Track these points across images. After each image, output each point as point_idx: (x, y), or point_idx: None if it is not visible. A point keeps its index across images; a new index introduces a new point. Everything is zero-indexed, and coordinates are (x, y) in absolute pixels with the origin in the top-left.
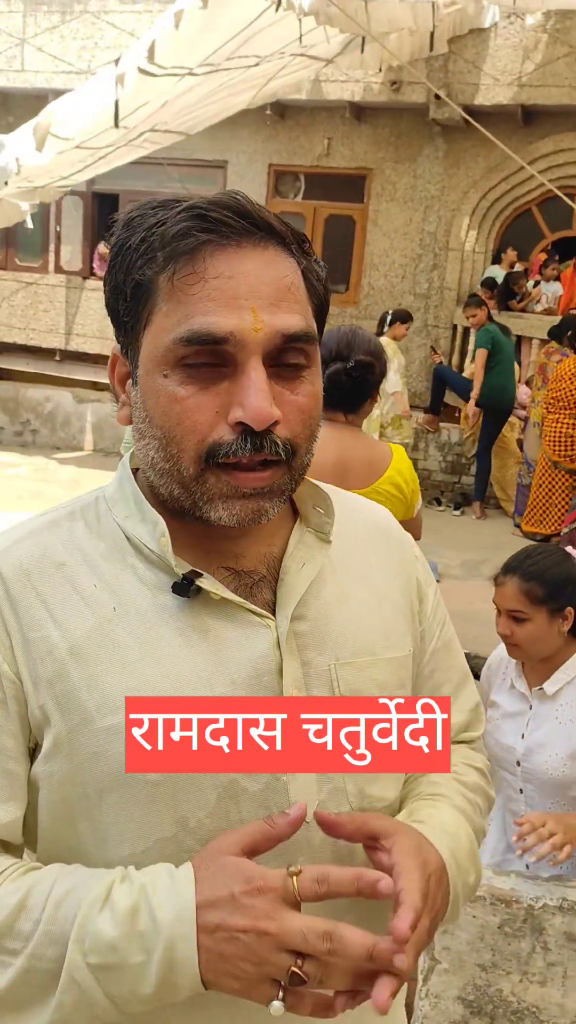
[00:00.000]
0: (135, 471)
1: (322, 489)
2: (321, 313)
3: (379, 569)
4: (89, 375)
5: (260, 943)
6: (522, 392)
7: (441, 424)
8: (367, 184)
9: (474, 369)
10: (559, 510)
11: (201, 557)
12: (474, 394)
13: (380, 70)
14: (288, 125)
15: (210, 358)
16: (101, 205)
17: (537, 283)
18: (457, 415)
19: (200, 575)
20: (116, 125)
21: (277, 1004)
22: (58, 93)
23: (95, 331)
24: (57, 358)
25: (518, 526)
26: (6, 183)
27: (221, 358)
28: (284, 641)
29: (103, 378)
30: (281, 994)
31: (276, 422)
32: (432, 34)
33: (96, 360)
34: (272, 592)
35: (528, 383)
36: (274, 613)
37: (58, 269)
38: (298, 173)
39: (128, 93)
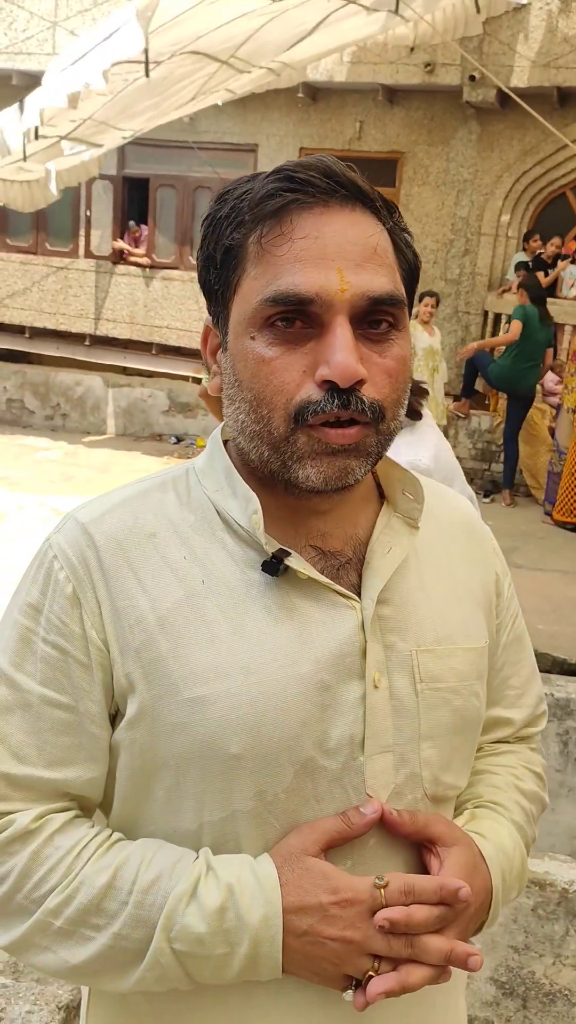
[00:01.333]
0: (225, 443)
1: (412, 475)
2: (411, 279)
3: (461, 561)
4: (118, 360)
5: (346, 949)
6: (549, 379)
7: (471, 411)
8: (399, 168)
9: (507, 336)
10: None
11: (289, 534)
12: (494, 340)
13: (411, 50)
14: (319, 108)
15: (297, 319)
16: (131, 189)
17: (544, 267)
18: (487, 402)
19: (289, 554)
20: (147, 75)
21: (350, 994)
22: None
23: (125, 316)
24: (87, 343)
25: (548, 514)
26: (36, 136)
27: (308, 319)
28: (368, 624)
29: (132, 363)
30: (355, 984)
31: (363, 381)
32: (477, 5)
33: (126, 345)
34: (357, 575)
35: (555, 370)
36: (359, 596)
37: (88, 254)
38: None
39: (158, 13)
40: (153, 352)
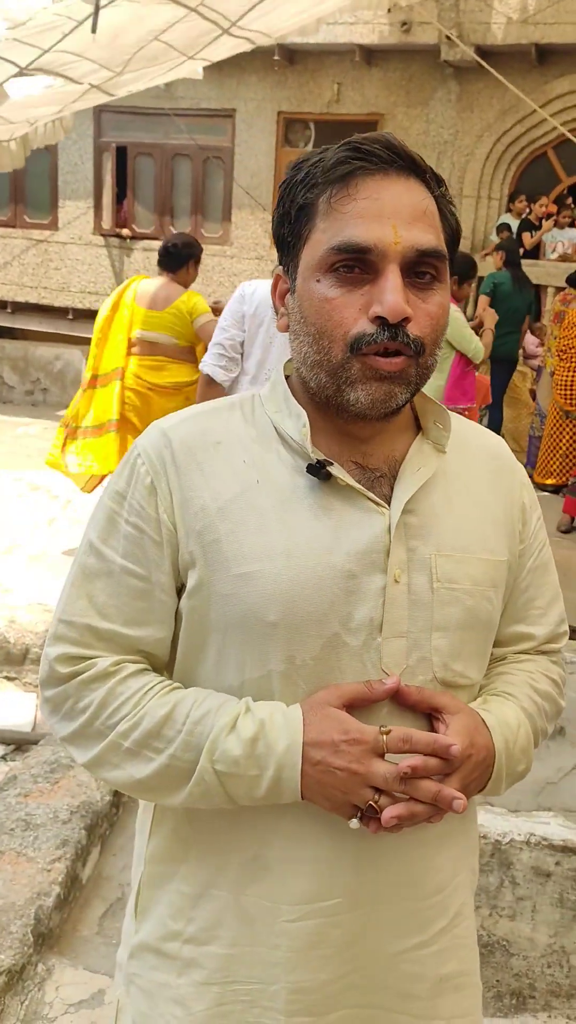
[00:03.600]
0: (287, 378)
1: (444, 408)
2: (453, 242)
3: (487, 486)
4: None
5: (351, 779)
6: (530, 342)
7: None
8: (379, 130)
9: (479, 315)
10: (568, 459)
11: (335, 451)
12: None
13: (389, 10)
14: (296, 70)
15: (356, 265)
16: (105, 157)
17: (531, 228)
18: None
19: (331, 464)
20: (93, 30)
21: (355, 822)
22: None
23: (107, 289)
24: (69, 316)
25: (530, 477)
26: None
27: (365, 266)
28: (394, 528)
29: None
30: (360, 814)
31: (408, 319)
32: None
33: None
34: (390, 488)
35: (535, 333)
36: (389, 504)
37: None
38: (308, 121)
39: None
40: None
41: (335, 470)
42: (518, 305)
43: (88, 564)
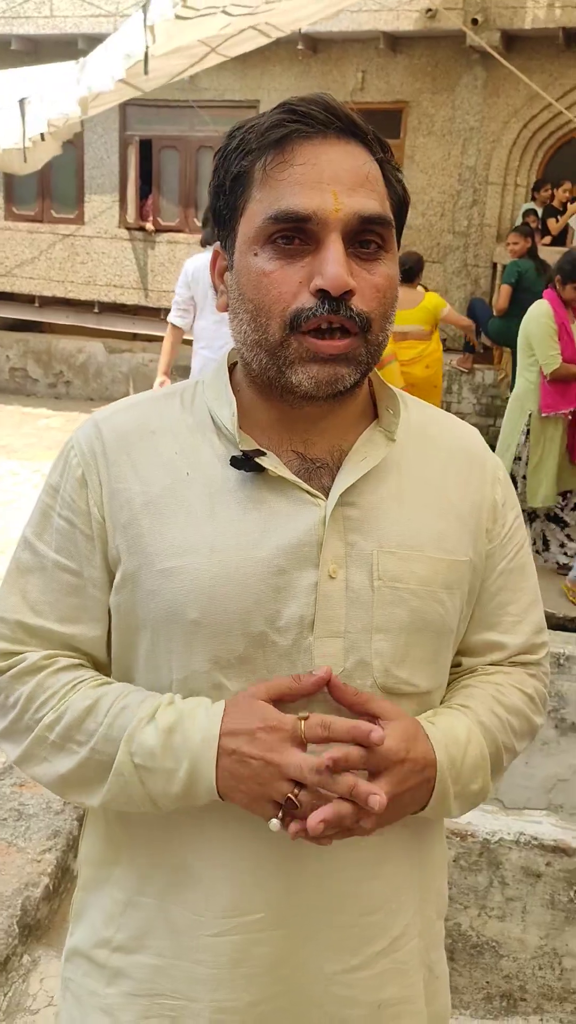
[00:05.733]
0: (232, 367)
1: (398, 395)
2: (400, 212)
3: (451, 480)
4: (127, 327)
5: (266, 769)
6: None
7: (475, 366)
8: (403, 118)
9: (498, 306)
10: None
11: (275, 439)
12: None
13: None
14: (320, 59)
15: (295, 235)
16: (130, 150)
17: (555, 215)
18: (490, 356)
19: (263, 454)
20: (146, 72)
21: (275, 822)
22: (87, 38)
23: (132, 282)
24: (95, 310)
25: None
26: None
27: (305, 236)
28: (329, 520)
29: (141, 329)
30: (280, 814)
31: (352, 292)
32: None
33: (135, 312)
34: (331, 479)
35: None
36: (328, 497)
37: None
38: None
39: (160, 41)
40: (161, 317)
41: (266, 460)
42: (539, 293)
43: (22, 559)
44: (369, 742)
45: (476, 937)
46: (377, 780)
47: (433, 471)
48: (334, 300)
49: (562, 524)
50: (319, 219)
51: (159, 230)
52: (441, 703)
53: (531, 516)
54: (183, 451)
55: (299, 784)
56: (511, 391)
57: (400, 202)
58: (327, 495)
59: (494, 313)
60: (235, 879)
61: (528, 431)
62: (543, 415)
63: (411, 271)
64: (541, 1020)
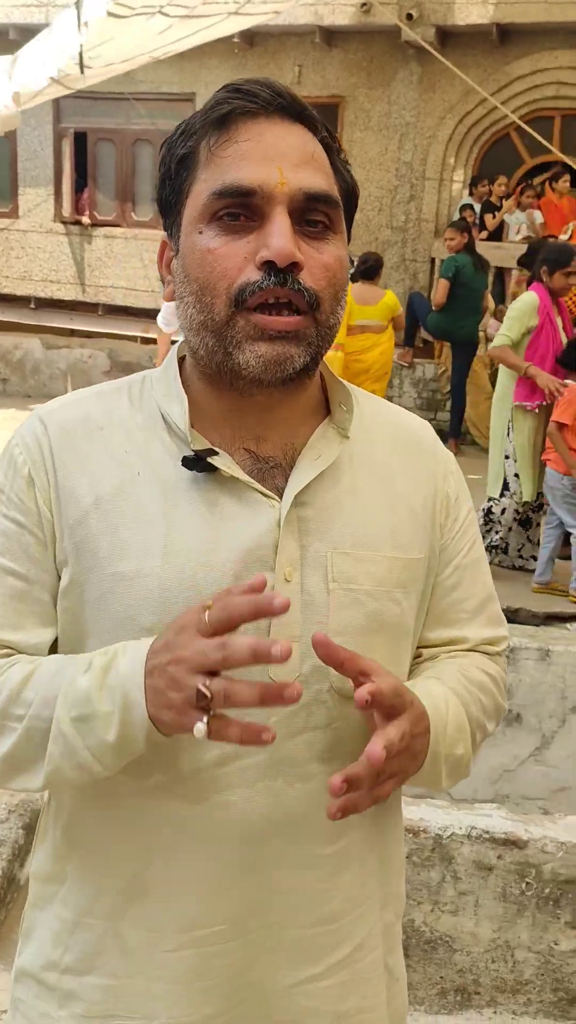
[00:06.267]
0: (181, 361)
1: (349, 390)
2: (350, 202)
3: (403, 475)
4: (65, 322)
5: (178, 669)
6: (491, 326)
7: (416, 360)
8: (340, 113)
9: (436, 300)
10: None
11: (227, 437)
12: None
13: None
14: (257, 53)
15: (240, 211)
16: (64, 143)
17: (493, 210)
18: (430, 350)
19: (216, 453)
20: (82, 71)
21: (200, 727)
22: (19, 29)
23: (69, 277)
24: (32, 306)
25: None
26: None
27: (250, 211)
28: (284, 522)
29: (79, 324)
30: (205, 719)
31: (299, 266)
32: None
33: (73, 307)
34: (285, 479)
35: (498, 316)
36: (282, 497)
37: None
38: None
39: (92, 37)
40: (99, 313)
41: (219, 460)
42: (477, 287)
43: None
44: (273, 610)
45: (430, 933)
46: (387, 728)
47: (385, 467)
48: (280, 272)
49: (528, 526)
50: (264, 193)
51: (96, 224)
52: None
53: (523, 522)
54: (134, 449)
55: (213, 675)
56: (451, 384)
57: (349, 191)
58: (281, 496)
59: (433, 308)
60: (194, 892)
61: (512, 425)
62: (515, 403)
63: (373, 269)
64: (495, 1013)
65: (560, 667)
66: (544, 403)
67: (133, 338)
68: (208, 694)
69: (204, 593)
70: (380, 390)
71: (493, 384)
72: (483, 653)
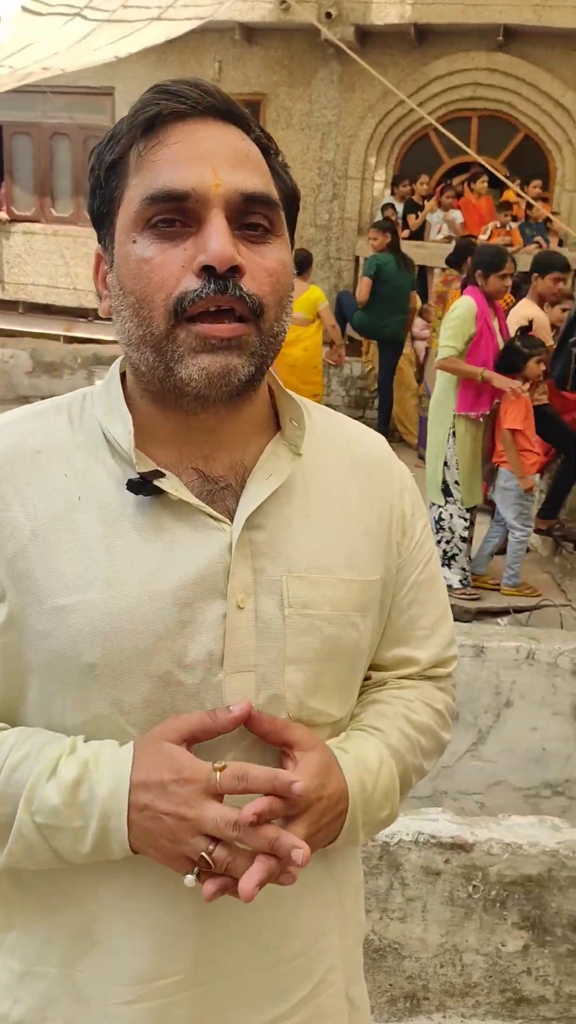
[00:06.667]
0: (123, 376)
1: (300, 404)
2: (290, 206)
3: (357, 493)
4: None
5: (179, 825)
6: (417, 324)
7: (343, 358)
8: (261, 110)
9: (359, 298)
10: None
11: (173, 457)
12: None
13: None
14: (177, 48)
15: (175, 217)
16: None
17: (415, 210)
18: (357, 348)
19: (163, 475)
20: None
21: (190, 878)
22: None
23: None
24: None
25: (422, 458)
26: None
27: (185, 216)
28: (236, 546)
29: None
30: (196, 870)
31: (240, 270)
32: None
33: None
34: (236, 500)
35: (422, 314)
36: (233, 520)
37: None
38: None
39: (8, 43)
40: (20, 311)
41: (166, 483)
42: (400, 284)
43: None
44: (290, 793)
45: (378, 941)
46: (294, 824)
47: (340, 485)
48: (220, 278)
49: (466, 541)
50: (198, 196)
51: (14, 220)
52: (351, 719)
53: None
54: (74, 473)
55: (214, 838)
56: (377, 383)
57: (290, 193)
58: (232, 518)
59: (358, 306)
60: (148, 943)
61: (454, 433)
62: (459, 414)
63: (303, 263)
64: (444, 1017)
65: (494, 663)
66: (488, 412)
67: (56, 337)
68: (210, 862)
69: (151, 625)
70: (317, 383)
71: (421, 381)
72: (433, 679)
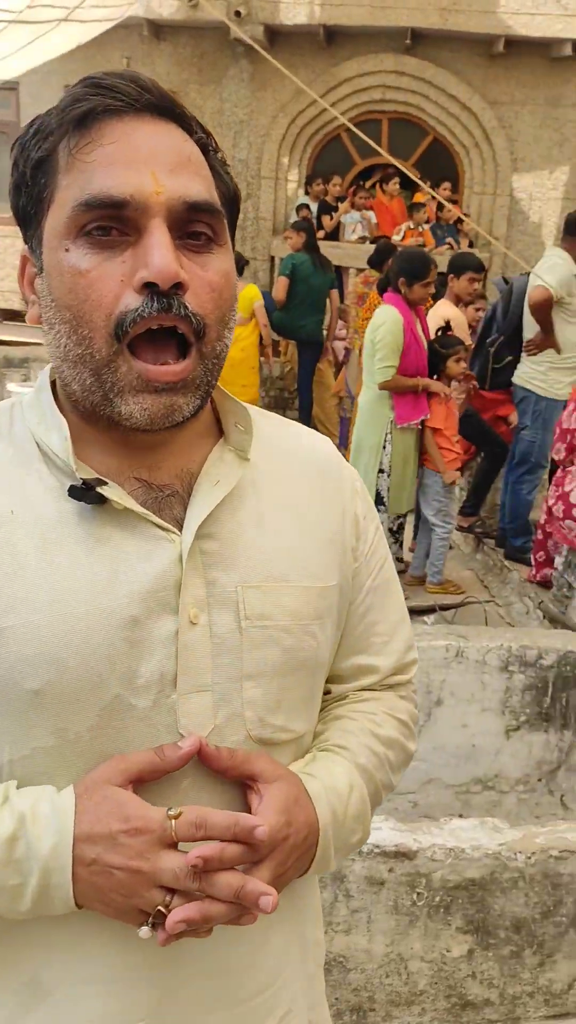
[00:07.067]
0: (53, 383)
1: (245, 407)
2: (231, 208)
3: (310, 498)
4: None
5: (132, 879)
6: (339, 327)
7: (261, 359)
8: None
9: (276, 297)
10: None
11: (113, 467)
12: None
13: None
14: (84, 43)
15: (112, 225)
16: None
17: (329, 210)
18: (276, 349)
19: (105, 483)
20: None
21: (145, 930)
22: None
23: None
24: None
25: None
26: None
27: (123, 224)
28: (187, 557)
29: None
30: (151, 921)
31: (183, 286)
32: None
33: None
34: (183, 508)
35: (342, 315)
36: (182, 529)
37: None
38: None
39: None
40: None
41: (109, 491)
42: (317, 285)
43: None
44: (253, 839)
45: (324, 955)
46: (259, 868)
47: (291, 490)
48: (163, 296)
49: (398, 536)
50: (137, 203)
51: None
52: (314, 738)
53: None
54: (6, 485)
55: (171, 889)
56: (297, 383)
57: (231, 195)
58: (181, 528)
59: (276, 306)
60: (103, 988)
61: (390, 439)
62: (399, 426)
63: (239, 265)
64: None
65: (424, 662)
66: (427, 416)
67: None
68: (167, 914)
69: (99, 646)
70: (254, 384)
71: (345, 384)
72: (394, 687)
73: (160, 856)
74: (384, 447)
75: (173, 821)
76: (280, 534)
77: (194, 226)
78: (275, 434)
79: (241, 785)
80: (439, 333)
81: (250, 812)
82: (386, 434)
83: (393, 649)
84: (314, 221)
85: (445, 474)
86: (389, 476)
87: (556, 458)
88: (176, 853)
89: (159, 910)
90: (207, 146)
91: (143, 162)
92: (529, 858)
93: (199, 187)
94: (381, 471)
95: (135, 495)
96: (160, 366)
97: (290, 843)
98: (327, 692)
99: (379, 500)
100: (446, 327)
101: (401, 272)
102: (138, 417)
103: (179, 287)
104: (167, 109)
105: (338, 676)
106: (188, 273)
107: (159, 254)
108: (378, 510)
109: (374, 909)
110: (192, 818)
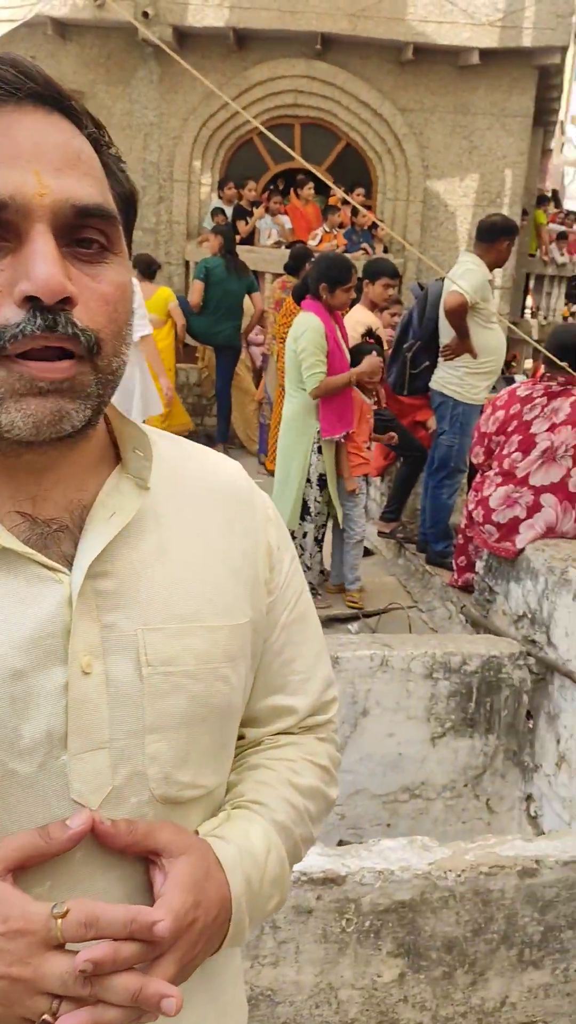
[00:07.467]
0: None
1: (144, 431)
2: (127, 208)
3: (217, 528)
4: None
5: (13, 988)
6: (256, 331)
7: (179, 365)
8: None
9: (191, 301)
10: None
11: None
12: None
13: None
14: None
15: None
16: None
17: (244, 215)
18: (196, 355)
19: None
20: None
21: None
22: None
23: None
24: None
25: (262, 464)
26: None
27: (2, 229)
28: (77, 599)
29: None
30: None
31: (71, 301)
32: None
33: None
34: (74, 544)
35: (261, 321)
36: (72, 568)
37: None
38: None
39: None
40: None
41: None
42: (232, 289)
43: None
44: (153, 936)
45: (250, 990)
46: (160, 964)
47: (197, 519)
48: (48, 312)
49: (321, 543)
50: (17, 206)
51: None
52: (228, 790)
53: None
54: None
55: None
56: (216, 389)
57: (128, 196)
58: (71, 566)
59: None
60: None
61: (319, 449)
62: (325, 439)
63: (151, 268)
64: None
65: (349, 673)
66: (352, 427)
67: None
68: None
69: None
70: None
71: (256, 385)
72: (312, 729)
73: (44, 960)
74: (312, 457)
75: (59, 920)
76: (186, 568)
77: (84, 232)
78: (180, 460)
79: (143, 857)
80: (365, 339)
81: (153, 890)
82: (315, 443)
83: (311, 688)
84: (228, 223)
85: (347, 480)
86: (317, 487)
87: (475, 462)
88: (63, 955)
89: (44, 1019)
90: (99, 141)
91: (25, 159)
92: (459, 876)
93: (89, 189)
94: (308, 481)
95: (16, 531)
96: (45, 362)
97: (199, 926)
98: (241, 737)
99: (306, 511)
100: (368, 332)
101: (322, 277)
102: (21, 426)
103: (67, 302)
104: (53, 99)
105: (253, 719)
106: (77, 285)
107: (42, 265)
108: (304, 521)
109: (302, 939)
110: (81, 916)
